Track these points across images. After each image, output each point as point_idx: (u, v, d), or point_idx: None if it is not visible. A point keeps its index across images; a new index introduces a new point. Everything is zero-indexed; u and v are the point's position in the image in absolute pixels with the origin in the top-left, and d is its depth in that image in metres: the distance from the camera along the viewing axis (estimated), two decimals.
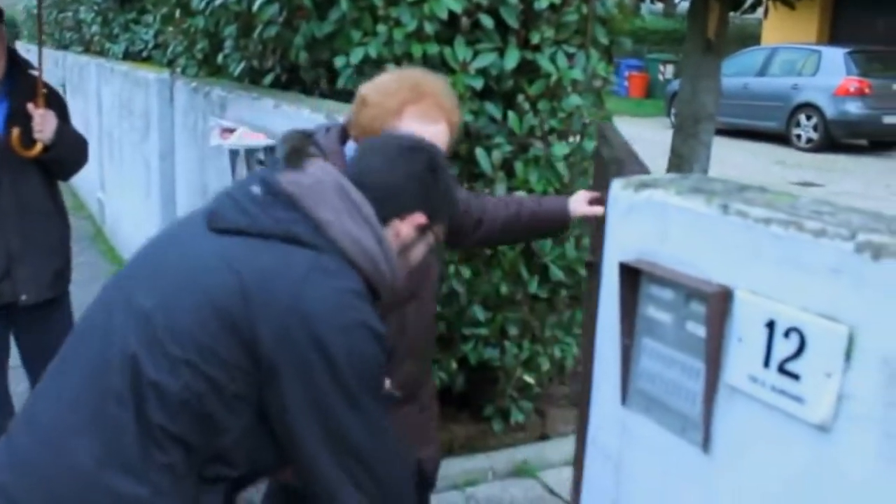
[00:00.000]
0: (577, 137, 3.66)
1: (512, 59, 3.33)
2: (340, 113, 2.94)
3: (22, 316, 3.06)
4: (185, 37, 5.39)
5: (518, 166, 3.46)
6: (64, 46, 11.14)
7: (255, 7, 3.71)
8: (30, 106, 2.98)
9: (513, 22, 3.34)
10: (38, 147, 3.01)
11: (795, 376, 1.22)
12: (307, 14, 3.52)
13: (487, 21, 3.30)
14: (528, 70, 3.47)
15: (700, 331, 1.36)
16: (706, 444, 1.38)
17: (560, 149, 3.50)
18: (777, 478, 1.24)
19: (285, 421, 1.43)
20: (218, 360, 1.39)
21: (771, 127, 15.59)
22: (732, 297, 1.31)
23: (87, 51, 9.63)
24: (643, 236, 1.50)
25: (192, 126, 4.94)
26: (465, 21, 3.27)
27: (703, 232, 1.38)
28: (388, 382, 1.63)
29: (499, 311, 3.64)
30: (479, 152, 3.40)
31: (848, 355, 1.15)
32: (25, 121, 2.98)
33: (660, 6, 19.55)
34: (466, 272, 3.50)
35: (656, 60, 22.57)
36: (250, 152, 3.63)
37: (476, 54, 3.33)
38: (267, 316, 1.39)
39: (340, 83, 3.44)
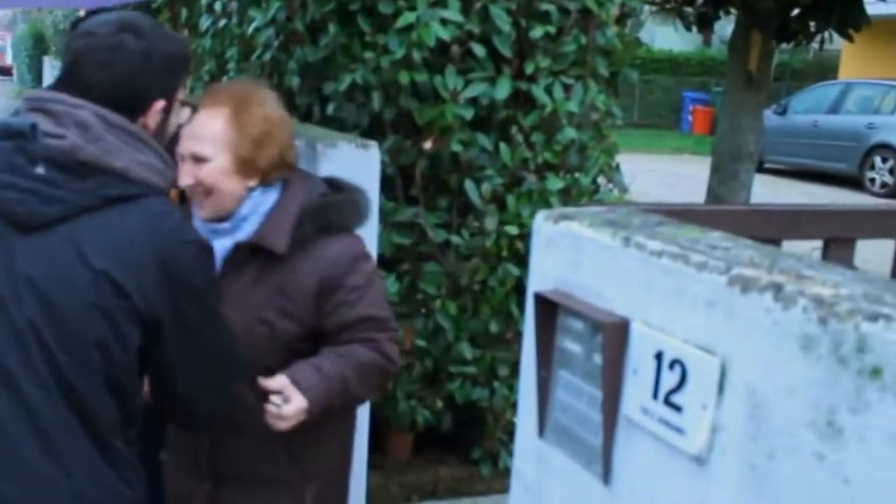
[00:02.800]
0: (574, 172, 3.78)
1: (503, 89, 3.47)
2: (324, 140, 3.09)
3: None
4: (192, 58, 5.62)
5: (510, 200, 3.59)
6: None
7: (250, 30, 3.91)
8: None
9: (506, 51, 3.49)
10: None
11: (678, 408, 1.31)
12: (301, 39, 3.70)
13: (479, 50, 3.45)
14: (522, 101, 3.60)
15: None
16: (606, 476, 1.47)
17: (554, 183, 3.62)
18: None
19: (165, 360, 1.72)
20: (113, 346, 1.63)
21: (842, 169, 15.32)
22: (629, 329, 1.42)
23: None
24: (560, 268, 1.61)
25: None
26: (455, 49, 3.43)
27: (608, 264, 1.49)
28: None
29: (488, 349, 3.74)
30: (469, 184, 3.53)
31: (721, 387, 1.24)
32: None
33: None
34: (452, 308, 3.62)
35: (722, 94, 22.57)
36: None
37: (468, 83, 3.48)
38: (140, 282, 1.63)
39: (330, 110, 3.60)
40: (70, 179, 1.61)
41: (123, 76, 1.69)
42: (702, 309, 1.28)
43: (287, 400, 1.99)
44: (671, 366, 1.33)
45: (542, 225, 1.68)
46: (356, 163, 2.99)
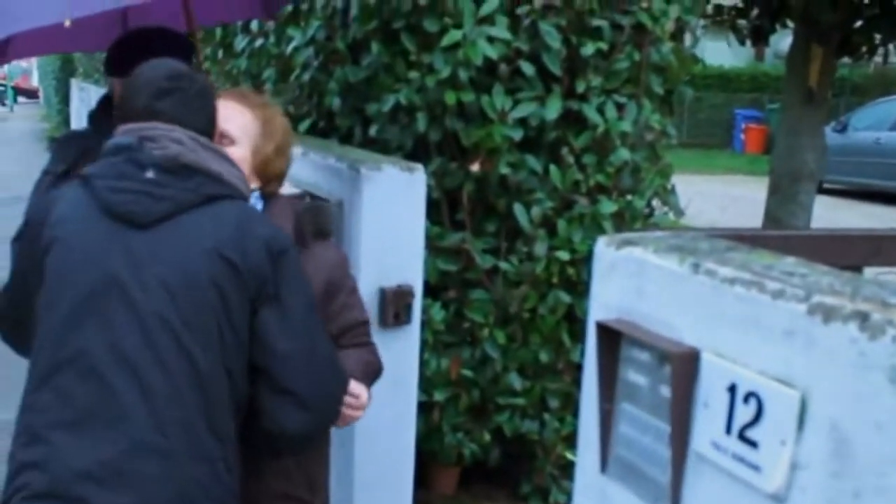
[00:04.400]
0: (628, 195, 3.77)
1: (554, 109, 3.47)
2: (367, 163, 3.11)
3: None
4: (227, 78, 5.71)
5: (560, 224, 3.58)
6: None
7: (289, 50, 3.96)
8: None
9: (556, 69, 3.50)
10: None
11: (754, 443, 1.30)
12: (342, 59, 3.74)
13: (528, 68, 3.46)
14: (573, 121, 3.61)
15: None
16: None
17: (607, 206, 3.61)
18: None
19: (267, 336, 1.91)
20: (226, 323, 1.86)
21: None
22: (699, 360, 1.40)
23: None
24: (623, 296, 1.60)
25: None
26: (503, 68, 3.44)
27: (675, 291, 1.48)
28: None
29: (537, 379, 3.73)
30: (518, 208, 3.53)
31: (801, 422, 1.22)
32: None
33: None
34: (501, 336, 3.61)
35: (777, 112, 22.42)
36: None
37: (516, 103, 3.49)
38: (247, 260, 1.87)
39: (372, 132, 3.63)
40: (176, 180, 1.88)
41: (212, 114, 2.04)
42: (779, 339, 1.27)
43: (356, 395, 2.12)
44: (746, 399, 1.31)
45: (604, 251, 1.67)
46: (401, 186, 3.01)
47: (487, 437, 3.76)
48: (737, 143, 22.57)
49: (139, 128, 1.95)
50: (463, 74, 3.35)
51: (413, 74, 3.42)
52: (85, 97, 13.38)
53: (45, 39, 3.05)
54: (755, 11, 8.32)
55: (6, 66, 32.34)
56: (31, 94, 37.42)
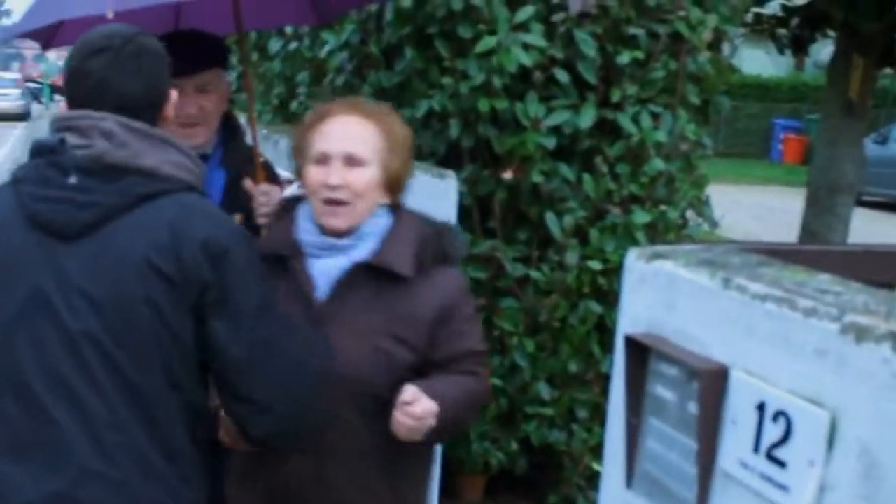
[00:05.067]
0: (662, 205, 3.75)
1: (588, 118, 3.47)
2: None
3: None
4: (261, 81, 5.75)
5: (593, 233, 3.58)
6: None
7: (323, 54, 3.98)
8: (247, 182, 2.53)
9: (591, 77, 3.49)
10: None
11: (782, 463, 1.29)
12: (375, 64, 3.77)
13: (563, 76, 3.46)
14: (607, 130, 3.60)
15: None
16: None
17: (641, 216, 3.60)
18: None
19: (219, 343, 1.81)
20: (166, 337, 1.76)
21: None
22: (728, 377, 1.40)
23: None
24: (652, 309, 1.60)
25: None
26: (537, 75, 3.44)
27: (705, 307, 1.47)
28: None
29: (566, 390, 3.72)
30: (550, 217, 3.53)
31: (830, 442, 1.22)
32: (241, 200, 2.54)
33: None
34: (530, 345, 3.61)
35: (817, 122, 22.20)
36: None
37: (550, 111, 3.49)
38: (185, 267, 1.75)
39: None
40: (101, 183, 1.75)
41: (151, 80, 1.86)
42: (810, 358, 1.26)
43: (408, 401, 1.98)
44: (774, 418, 1.31)
45: (634, 263, 1.67)
46: (433, 192, 3.02)
47: (515, 445, 3.76)
48: (774, 153, 22.37)
49: (68, 117, 1.81)
50: (497, 81, 3.36)
51: (446, 80, 3.43)
52: None
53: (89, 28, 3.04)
54: (795, 20, 8.25)
55: (43, 65, 32.79)
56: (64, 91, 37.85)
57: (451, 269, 2.17)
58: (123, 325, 1.72)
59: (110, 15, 2.19)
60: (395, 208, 2.16)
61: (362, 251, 2.08)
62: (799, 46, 8.49)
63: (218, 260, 1.78)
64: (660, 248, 1.69)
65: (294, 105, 5.16)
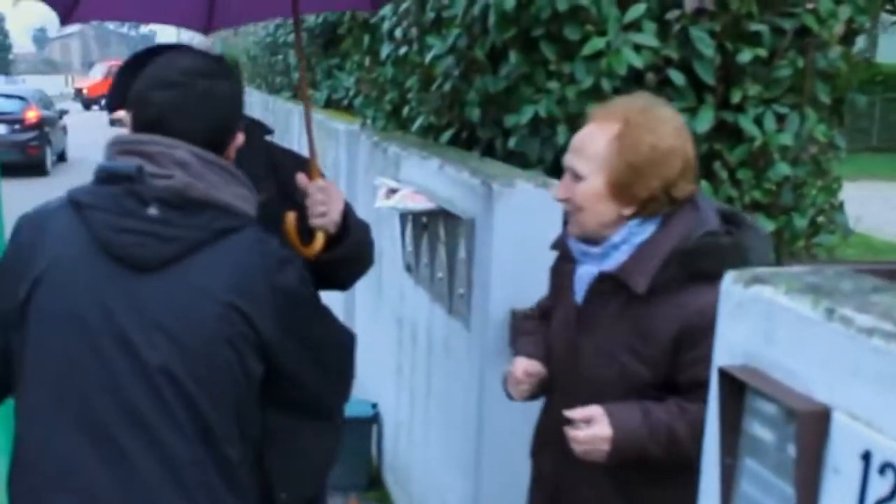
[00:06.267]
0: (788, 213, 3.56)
1: (705, 121, 3.32)
2: (501, 179, 3.05)
3: None
4: (374, 86, 5.77)
5: None
6: (276, 91, 12.18)
7: (428, 59, 3.95)
8: (300, 178, 2.30)
9: (708, 78, 3.35)
10: (320, 240, 2.27)
11: None
12: (481, 68, 3.70)
13: (678, 77, 3.32)
14: (727, 133, 3.44)
15: None
16: None
17: (764, 225, 3.42)
18: None
19: (289, 375, 1.87)
20: (241, 378, 1.78)
21: None
22: (830, 420, 1.27)
23: (294, 97, 10.47)
24: (749, 340, 1.48)
25: (371, 184, 5.26)
26: (650, 77, 3.32)
27: (806, 340, 1.35)
28: None
29: None
30: None
31: None
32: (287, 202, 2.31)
33: None
34: None
35: None
36: (415, 216, 3.84)
37: None
38: (260, 310, 1.77)
39: (511, 144, 3.57)
40: (184, 217, 1.74)
41: (216, 121, 1.87)
42: None
43: (590, 424, 2.02)
44: (882, 470, 1.18)
45: (731, 287, 1.55)
46: (535, 204, 2.93)
47: None
48: None
49: (134, 141, 1.79)
50: (606, 85, 3.25)
51: (553, 84, 3.34)
52: (249, 101, 13.86)
53: (116, 3, 2.96)
54: None
55: None
56: None
57: (711, 287, 1.89)
58: (202, 363, 1.72)
59: None
60: (669, 216, 2.07)
61: (611, 262, 2.10)
62: None
63: (290, 301, 1.83)
64: (760, 270, 1.56)
65: (406, 111, 5.14)
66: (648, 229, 2.07)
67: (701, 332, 1.96)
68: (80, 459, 1.70)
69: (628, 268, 2.05)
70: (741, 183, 3.41)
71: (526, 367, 2.31)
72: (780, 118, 3.44)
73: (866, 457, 1.21)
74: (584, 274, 2.14)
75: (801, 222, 3.50)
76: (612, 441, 1.99)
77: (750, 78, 3.40)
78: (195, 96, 1.82)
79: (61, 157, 19.81)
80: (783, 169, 3.41)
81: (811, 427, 1.29)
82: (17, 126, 18.17)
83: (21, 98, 18.97)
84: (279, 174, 2.35)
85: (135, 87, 1.84)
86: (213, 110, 1.85)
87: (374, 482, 4.76)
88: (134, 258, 1.72)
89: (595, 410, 2.01)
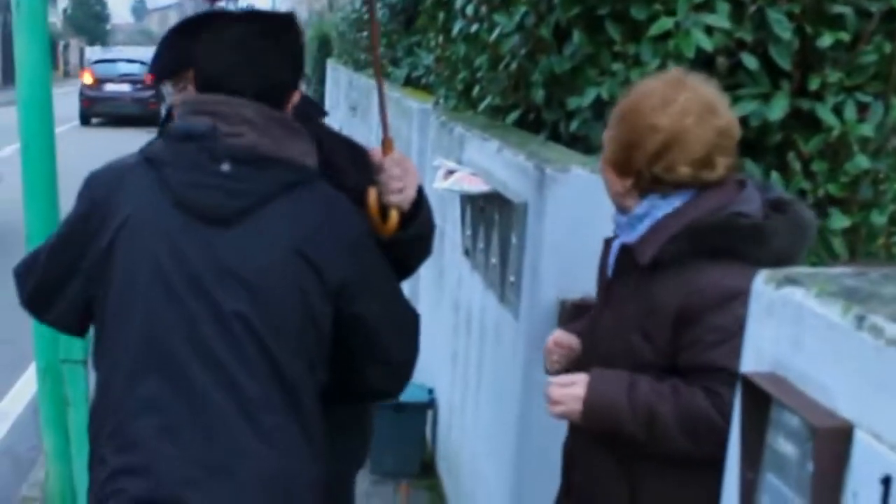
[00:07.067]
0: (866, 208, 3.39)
1: (779, 108, 3.17)
2: (555, 164, 2.96)
3: None
4: (447, 65, 5.70)
5: None
6: (361, 68, 12.21)
7: (492, 38, 3.87)
8: (375, 152, 2.23)
9: (785, 63, 3.20)
10: (395, 219, 2.18)
11: None
12: (546, 47, 3.61)
13: (752, 62, 3.18)
14: (803, 122, 3.28)
15: None
16: None
17: (839, 221, 3.27)
18: None
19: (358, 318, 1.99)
20: (311, 326, 1.91)
21: None
22: (852, 438, 1.18)
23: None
24: (778, 346, 1.39)
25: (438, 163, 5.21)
26: (721, 61, 3.18)
27: (834, 349, 1.25)
28: None
29: None
30: None
31: None
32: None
33: None
34: None
35: None
36: (472, 198, 3.78)
37: (736, 100, 3.21)
38: (329, 258, 1.90)
39: (573, 127, 3.48)
40: (253, 172, 1.87)
41: (276, 78, 1.98)
42: None
43: (568, 385, 2.07)
44: None
45: (762, 288, 1.46)
46: (590, 190, 2.84)
47: None
48: None
49: (206, 101, 1.92)
50: (673, 67, 3.12)
51: (617, 66, 3.23)
52: (337, 77, 13.97)
53: None
54: None
55: None
56: None
57: (720, 267, 1.96)
58: (274, 309, 1.84)
59: None
60: (701, 191, 2.02)
61: (634, 234, 2.09)
62: None
63: (355, 250, 1.96)
64: (795, 270, 1.46)
65: (476, 91, 5.06)
66: (673, 203, 2.04)
67: (697, 313, 1.94)
68: (160, 397, 1.82)
69: (640, 240, 2.06)
70: (815, 175, 3.25)
71: (557, 336, 2.33)
72: (862, 107, 3.27)
73: (886, 482, 1.11)
74: (615, 246, 2.16)
75: (879, 219, 3.32)
76: (584, 401, 2.02)
77: (830, 64, 3.23)
78: (256, 53, 1.95)
79: None
80: (862, 161, 3.24)
81: (829, 445, 1.20)
82: (139, 85, 22.96)
83: (142, 62, 23.17)
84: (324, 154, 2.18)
85: (198, 48, 1.96)
86: (273, 68, 1.98)
87: (426, 469, 4.73)
88: (208, 211, 1.85)
89: (579, 376, 2.06)
